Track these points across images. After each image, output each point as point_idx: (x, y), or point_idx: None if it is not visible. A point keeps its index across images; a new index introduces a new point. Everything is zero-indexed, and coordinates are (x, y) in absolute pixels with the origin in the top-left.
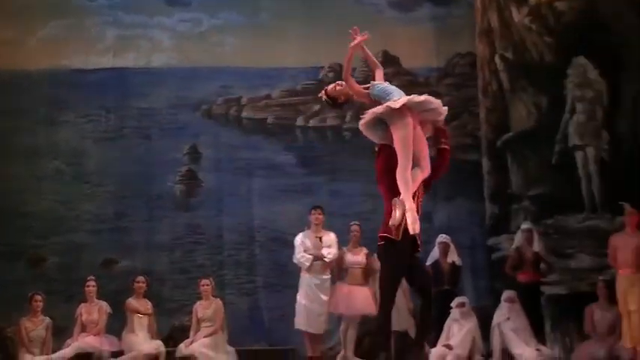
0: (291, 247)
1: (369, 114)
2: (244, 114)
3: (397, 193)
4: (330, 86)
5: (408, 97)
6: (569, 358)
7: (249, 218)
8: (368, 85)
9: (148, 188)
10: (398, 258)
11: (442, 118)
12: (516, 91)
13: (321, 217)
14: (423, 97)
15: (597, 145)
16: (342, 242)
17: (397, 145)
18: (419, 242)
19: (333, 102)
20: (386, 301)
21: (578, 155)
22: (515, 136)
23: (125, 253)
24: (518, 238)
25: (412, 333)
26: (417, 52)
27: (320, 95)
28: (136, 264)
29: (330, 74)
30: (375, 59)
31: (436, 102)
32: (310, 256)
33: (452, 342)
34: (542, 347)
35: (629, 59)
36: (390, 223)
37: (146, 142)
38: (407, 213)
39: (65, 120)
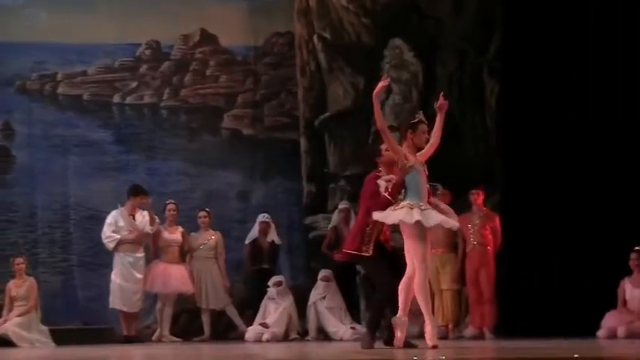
0: None
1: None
2: (60, 90)
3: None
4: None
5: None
6: (383, 336)
7: (64, 196)
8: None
9: None
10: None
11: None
12: (334, 71)
13: (145, 201)
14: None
15: None
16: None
17: (417, 259)
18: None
19: None
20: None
21: (394, 136)
22: (333, 116)
23: None
24: (335, 218)
25: (229, 311)
26: (235, 31)
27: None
28: None
29: (147, 51)
30: (439, 133)
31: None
32: (117, 237)
33: (268, 320)
34: (357, 325)
35: (444, 41)
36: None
37: None
38: (427, 327)
39: None
